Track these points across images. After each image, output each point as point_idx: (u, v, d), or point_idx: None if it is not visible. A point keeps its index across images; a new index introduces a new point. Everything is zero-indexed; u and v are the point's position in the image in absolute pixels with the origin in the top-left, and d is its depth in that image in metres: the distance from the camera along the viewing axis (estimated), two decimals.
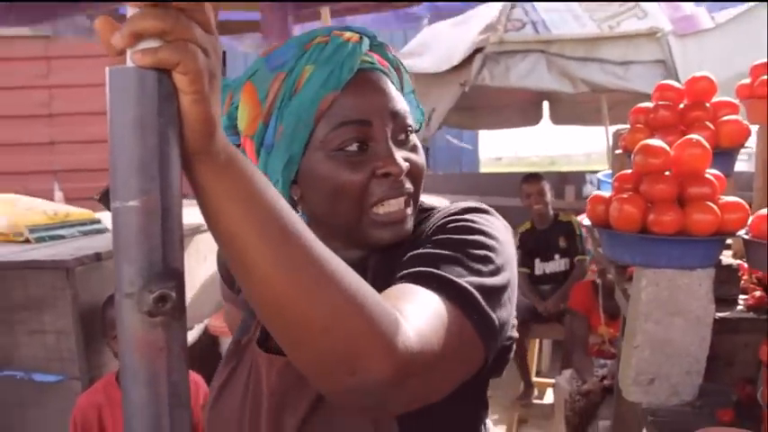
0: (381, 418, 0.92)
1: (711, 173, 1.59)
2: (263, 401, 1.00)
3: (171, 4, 0.60)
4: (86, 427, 2.27)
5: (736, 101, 2.03)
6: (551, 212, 4.94)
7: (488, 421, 1.11)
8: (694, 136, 1.58)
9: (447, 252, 0.88)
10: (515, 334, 1.01)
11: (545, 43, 4.36)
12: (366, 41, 0.99)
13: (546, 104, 6.93)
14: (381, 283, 0.82)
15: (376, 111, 0.96)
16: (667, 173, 1.59)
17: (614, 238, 1.66)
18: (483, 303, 0.83)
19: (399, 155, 0.97)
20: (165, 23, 0.59)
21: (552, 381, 4.37)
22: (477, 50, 4.36)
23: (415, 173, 1.00)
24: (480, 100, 5.12)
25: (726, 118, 1.98)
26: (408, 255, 0.91)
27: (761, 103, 1.90)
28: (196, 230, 3.17)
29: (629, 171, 1.68)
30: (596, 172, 4.04)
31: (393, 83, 1.01)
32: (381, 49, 1.02)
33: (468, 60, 4.38)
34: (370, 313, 0.70)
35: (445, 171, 9.34)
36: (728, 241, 1.99)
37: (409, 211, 0.99)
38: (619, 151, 2.29)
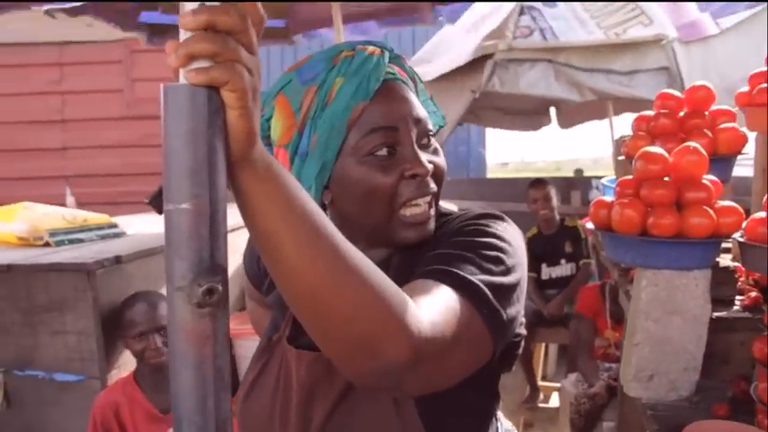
0: (402, 405, 1.00)
1: (708, 178, 1.66)
2: (293, 394, 1.07)
3: (220, 31, 0.68)
4: (105, 425, 2.33)
5: (735, 108, 2.10)
6: (557, 217, 4.97)
7: (499, 413, 1.19)
8: (692, 143, 1.66)
9: (461, 252, 0.96)
10: (524, 331, 1.08)
11: (553, 52, 4.40)
12: (387, 54, 1.07)
13: (553, 110, 6.96)
14: (402, 281, 0.89)
15: (401, 117, 1.04)
16: (666, 178, 1.67)
17: (616, 241, 1.73)
18: (492, 299, 0.91)
19: (424, 157, 1.04)
20: (216, 46, 0.68)
21: (558, 384, 4.41)
22: (487, 56, 4.40)
23: (438, 174, 1.08)
24: (488, 102, 5.15)
25: (723, 126, 2.05)
26: (427, 255, 0.98)
27: (759, 111, 1.96)
28: None
29: (631, 177, 1.75)
30: (601, 177, 4.09)
31: (411, 91, 1.09)
32: (399, 60, 1.10)
33: (478, 67, 4.42)
34: (389, 303, 0.79)
35: (453, 176, 9.32)
36: (728, 245, 2.06)
37: (432, 211, 1.07)
38: (621, 158, 2.36)
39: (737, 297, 1.91)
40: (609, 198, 1.80)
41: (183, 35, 0.69)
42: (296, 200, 0.76)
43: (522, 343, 1.10)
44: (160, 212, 0.74)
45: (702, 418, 1.55)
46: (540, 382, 4.95)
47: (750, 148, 2.10)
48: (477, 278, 0.92)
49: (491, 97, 4.72)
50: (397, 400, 1.00)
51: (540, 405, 4.84)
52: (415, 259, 1.02)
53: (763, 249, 1.45)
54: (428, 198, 1.06)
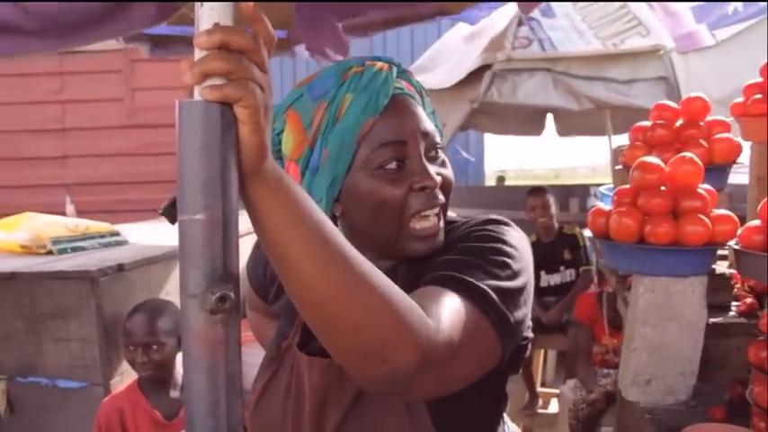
0: (414, 409, 1.02)
1: (704, 187, 1.69)
2: (306, 401, 1.09)
3: (234, 50, 0.72)
4: (110, 429, 2.34)
5: (731, 119, 2.14)
6: (556, 225, 4.98)
7: (505, 415, 1.21)
8: (688, 153, 1.69)
9: (468, 258, 0.98)
10: (530, 334, 1.10)
11: (551, 61, 4.42)
12: (395, 69, 1.09)
13: (550, 117, 6.98)
14: (410, 289, 0.91)
15: (410, 131, 1.06)
16: (663, 188, 1.70)
17: (614, 249, 1.76)
18: (499, 303, 0.94)
19: (432, 170, 1.07)
20: (230, 65, 0.71)
21: (556, 391, 4.41)
22: (486, 67, 4.43)
23: (446, 186, 1.10)
24: (486, 108, 5.17)
25: (719, 136, 2.09)
26: (434, 262, 1.01)
27: (754, 121, 1.99)
28: None
29: (628, 186, 1.78)
30: (600, 185, 4.11)
31: (419, 105, 1.12)
32: (406, 75, 1.13)
33: (477, 77, 4.44)
34: (397, 310, 0.81)
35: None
36: (724, 252, 2.09)
37: (441, 224, 1.09)
38: (619, 167, 2.39)
39: (733, 303, 1.94)
40: (606, 207, 1.83)
41: (198, 53, 0.73)
42: (307, 211, 0.79)
43: (530, 346, 1.12)
44: (173, 222, 0.75)
45: (699, 422, 1.57)
46: (539, 389, 4.95)
47: (745, 158, 2.13)
48: (485, 283, 0.94)
49: (488, 105, 4.74)
50: (409, 404, 1.02)
51: (540, 411, 4.85)
52: (423, 267, 1.03)
53: (758, 257, 1.47)
54: (437, 210, 1.08)
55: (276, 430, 1.12)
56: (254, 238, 0.87)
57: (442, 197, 1.09)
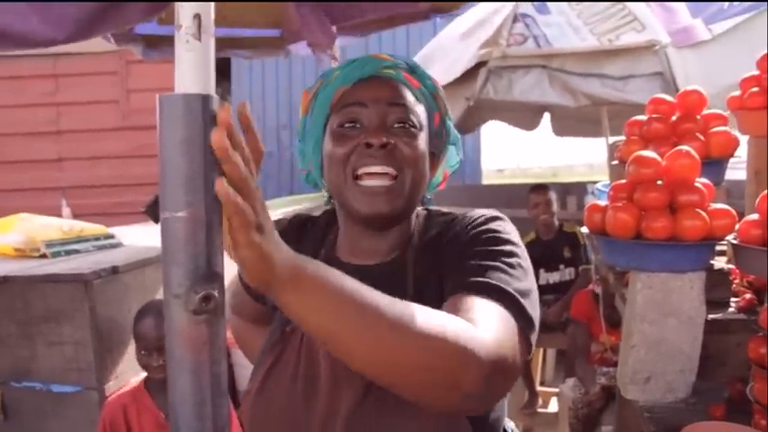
0: None
1: (701, 181, 1.67)
2: (321, 383, 1.08)
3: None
4: (114, 427, 2.33)
5: (728, 112, 2.12)
6: (556, 223, 4.98)
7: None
8: (684, 147, 1.67)
9: (489, 263, 1.02)
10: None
11: (547, 58, 4.41)
12: (397, 61, 1.15)
13: (547, 115, 6.96)
14: (422, 281, 0.99)
15: (374, 98, 1.11)
16: (659, 182, 1.68)
17: (611, 245, 1.74)
18: (526, 307, 0.99)
19: (391, 139, 1.08)
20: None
21: (556, 389, 4.42)
22: (481, 64, 4.42)
23: (399, 157, 1.10)
24: (481, 103, 5.16)
25: (715, 129, 2.07)
26: (455, 266, 1.04)
27: (751, 114, 1.98)
28: None
29: (624, 181, 1.76)
30: (597, 182, 4.09)
31: (418, 98, 1.15)
32: (417, 73, 1.17)
33: (472, 75, 4.43)
34: (453, 339, 0.85)
35: (448, 183, 9.32)
36: (723, 248, 2.07)
37: (394, 190, 1.09)
38: (615, 162, 2.37)
39: (732, 299, 1.92)
40: (603, 202, 1.81)
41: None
42: (333, 296, 0.82)
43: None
44: (156, 221, 0.75)
45: (699, 420, 1.56)
46: (539, 388, 4.94)
47: (742, 152, 2.11)
48: (512, 288, 0.99)
49: (484, 101, 4.73)
50: None
51: (539, 410, 4.83)
52: (431, 257, 1.09)
53: (757, 251, 1.46)
54: (385, 170, 1.08)
55: (283, 412, 1.10)
56: None
57: (392, 169, 1.09)
